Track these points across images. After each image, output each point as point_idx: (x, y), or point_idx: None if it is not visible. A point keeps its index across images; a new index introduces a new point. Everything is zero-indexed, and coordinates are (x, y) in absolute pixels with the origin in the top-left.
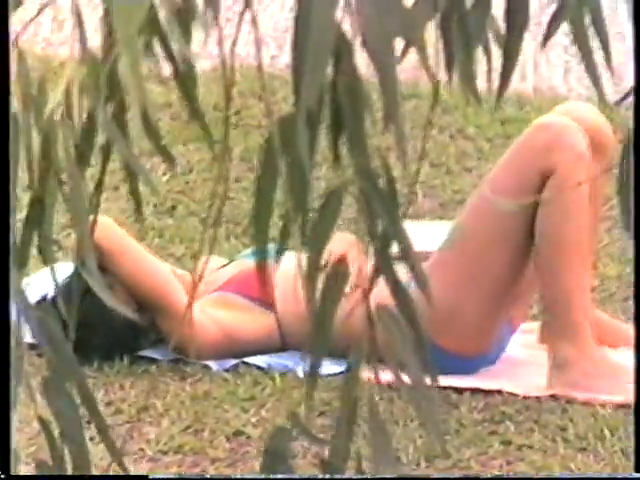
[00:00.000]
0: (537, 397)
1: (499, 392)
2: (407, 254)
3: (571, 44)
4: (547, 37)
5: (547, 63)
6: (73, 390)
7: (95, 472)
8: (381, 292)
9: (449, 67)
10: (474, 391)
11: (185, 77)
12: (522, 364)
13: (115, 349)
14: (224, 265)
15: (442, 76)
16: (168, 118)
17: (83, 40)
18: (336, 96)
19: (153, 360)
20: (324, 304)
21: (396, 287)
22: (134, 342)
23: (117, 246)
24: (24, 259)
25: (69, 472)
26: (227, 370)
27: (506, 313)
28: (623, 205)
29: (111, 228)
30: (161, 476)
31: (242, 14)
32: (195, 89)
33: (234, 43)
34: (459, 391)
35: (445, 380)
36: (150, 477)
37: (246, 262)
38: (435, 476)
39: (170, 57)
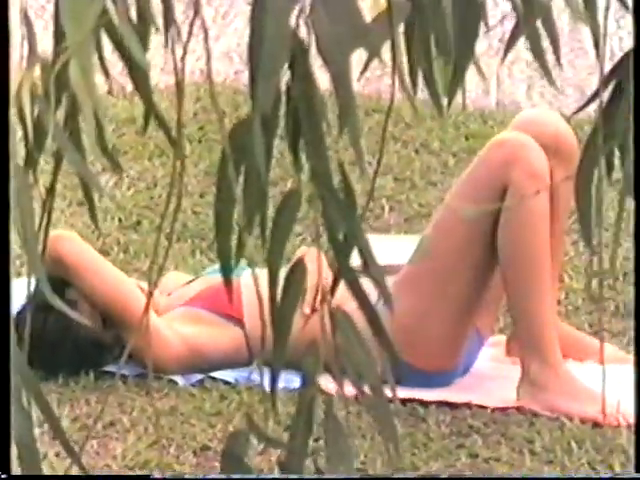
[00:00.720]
0: (504, 410)
1: (467, 405)
2: (367, 258)
3: (533, 60)
4: (506, 51)
5: (510, 78)
6: (29, 401)
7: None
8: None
9: (413, 78)
10: (441, 404)
11: (145, 89)
12: (490, 377)
13: (80, 364)
14: (190, 280)
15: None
16: (133, 133)
17: (33, 44)
18: (292, 101)
19: (120, 375)
20: (282, 309)
21: (357, 291)
22: (99, 357)
23: (81, 260)
24: None
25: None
26: (193, 385)
27: (473, 325)
28: (582, 216)
29: (75, 242)
30: (162, 476)
31: (191, 25)
32: (151, 100)
33: (182, 58)
34: (426, 404)
35: (412, 393)
36: (151, 477)
37: (212, 277)
38: (437, 475)
39: (129, 69)
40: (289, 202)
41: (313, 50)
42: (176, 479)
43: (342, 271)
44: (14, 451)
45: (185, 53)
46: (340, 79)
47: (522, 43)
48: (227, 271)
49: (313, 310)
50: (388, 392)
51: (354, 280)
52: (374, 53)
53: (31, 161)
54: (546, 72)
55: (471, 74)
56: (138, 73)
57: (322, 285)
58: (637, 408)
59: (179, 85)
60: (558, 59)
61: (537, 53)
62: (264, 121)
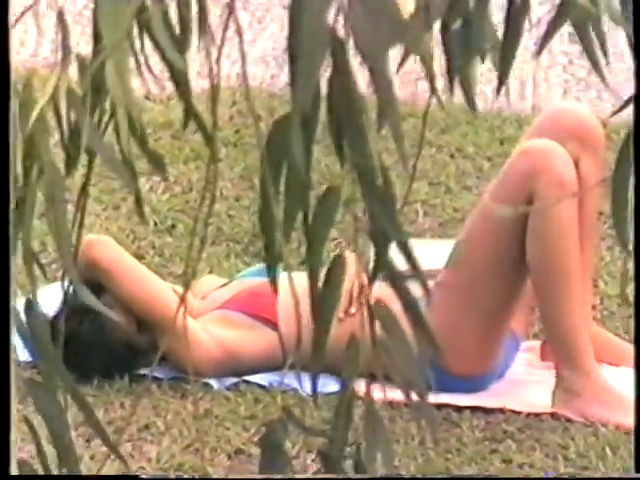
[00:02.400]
0: (538, 415)
1: (501, 410)
2: (407, 253)
3: (569, 64)
4: (543, 45)
5: (546, 82)
6: (63, 399)
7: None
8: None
9: (450, 77)
10: (475, 409)
11: (184, 90)
12: (524, 382)
13: (115, 368)
14: (225, 284)
15: (442, 94)
16: (169, 137)
17: (68, 46)
18: (332, 99)
19: (154, 378)
20: (321, 313)
21: (398, 286)
22: (134, 360)
23: (116, 265)
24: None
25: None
26: (228, 388)
27: (508, 328)
28: (617, 218)
29: (110, 247)
30: (157, 475)
31: (225, 29)
32: (190, 101)
33: (217, 61)
34: (460, 409)
35: (446, 398)
36: (141, 477)
37: (247, 280)
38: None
39: (169, 70)
40: (328, 200)
41: (351, 48)
42: (168, 479)
43: (383, 267)
44: (28, 450)
45: (219, 56)
46: (379, 75)
47: (558, 48)
48: (273, 273)
49: (346, 313)
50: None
51: (395, 275)
52: (413, 49)
53: (68, 163)
54: (599, 73)
55: (508, 78)
56: (177, 74)
57: (364, 285)
58: (637, 408)
59: (213, 88)
60: (606, 56)
61: (590, 54)
62: (304, 120)
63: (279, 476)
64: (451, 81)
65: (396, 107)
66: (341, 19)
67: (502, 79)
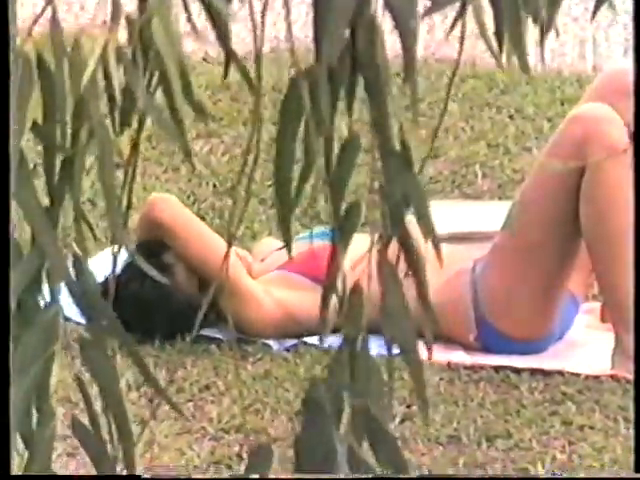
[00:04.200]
0: (598, 377)
1: (560, 372)
2: (424, 220)
3: (632, 21)
4: (596, 9)
5: (607, 41)
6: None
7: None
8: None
9: (499, 38)
10: (534, 371)
11: (223, 34)
12: (583, 344)
13: (176, 328)
14: (284, 246)
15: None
16: (228, 99)
17: (117, 4)
18: (355, 53)
19: (215, 339)
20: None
21: (408, 251)
22: (195, 322)
23: (179, 223)
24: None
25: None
26: (287, 349)
27: (566, 290)
28: None
29: (174, 205)
30: (155, 476)
31: None
32: (229, 44)
33: (262, 20)
34: (518, 371)
35: (504, 360)
36: (142, 477)
37: (305, 243)
38: (436, 475)
39: (221, 36)
40: (349, 148)
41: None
42: (170, 479)
43: (396, 230)
44: (17, 446)
45: (264, 16)
46: (405, 29)
47: (621, 6)
48: (287, 226)
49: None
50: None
51: (407, 239)
52: (441, 6)
53: (120, 123)
54: None
55: (568, 38)
56: (220, 27)
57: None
58: (636, 408)
59: (257, 52)
60: None
61: None
62: (329, 72)
63: (282, 476)
64: (500, 42)
65: (415, 64)
66: None
67: (543, 36)
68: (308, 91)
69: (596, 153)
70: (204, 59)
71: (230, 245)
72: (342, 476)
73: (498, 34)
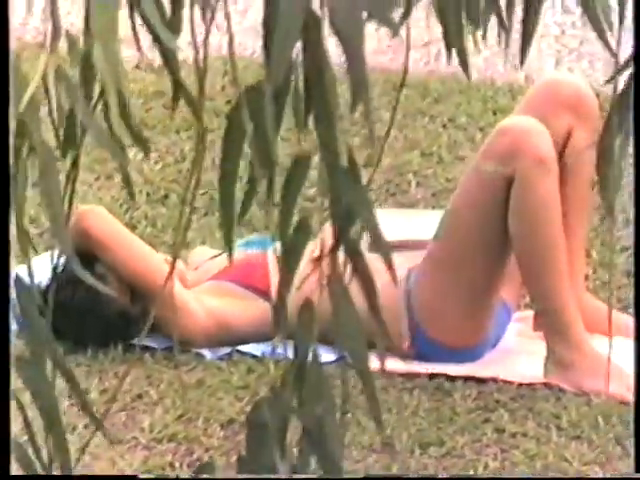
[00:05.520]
0: (531, 385)
1: (493, 380)
2: (373, 233)
3: (562, 35)
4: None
5: (539, 53)
6: (49, 370)
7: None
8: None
9: (447, 46)
10: (467, 379)
11: (172, 65)
12: (517, 352)
13: (109, 337)
14: (218, 254)
15: (432, 63)
16: (161, 107)
17: (57, 24)
18: (304, 72)
19: (147, 348)
20: (284, 273)
21: (357, 263)
22: (127, 330)
23: (109, 235)
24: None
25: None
26: (221, 358)
27: (498, 298)
28: (602, 186)
29: (103, 217)
30: (153, 476)
31: (216, 2)
32: (178, 75)
33: (207, 33)
34: (452, 379)
35: (438, 368)
36: (139, 477)
37: (240, 251)
38: (441, 475)
39: (157, 43)
40: (298, 167)
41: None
42: (164, 479)
43: (343, 243)
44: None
45: (209, 27)
46: (353, 53)
47: (550, 18)
48: (228, 241)
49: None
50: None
51: (355, 252)
52: (389, 27)
53: (59, 138)
54: (605, 42)
55: (501, 48)
56: (166, 49)
57: (323, 253)
58: (636, 408)
59: (198, 61)
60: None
61: (595, 25)
62: (276, 91)
63: (278, 476)
64: (448, 49)
65: (368, 86)
66: None
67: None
68: (255, 107)
69: (523, 166)
70: (137, 66)
71: (175, 259)
72: (340, 476)
73: (446, 43)
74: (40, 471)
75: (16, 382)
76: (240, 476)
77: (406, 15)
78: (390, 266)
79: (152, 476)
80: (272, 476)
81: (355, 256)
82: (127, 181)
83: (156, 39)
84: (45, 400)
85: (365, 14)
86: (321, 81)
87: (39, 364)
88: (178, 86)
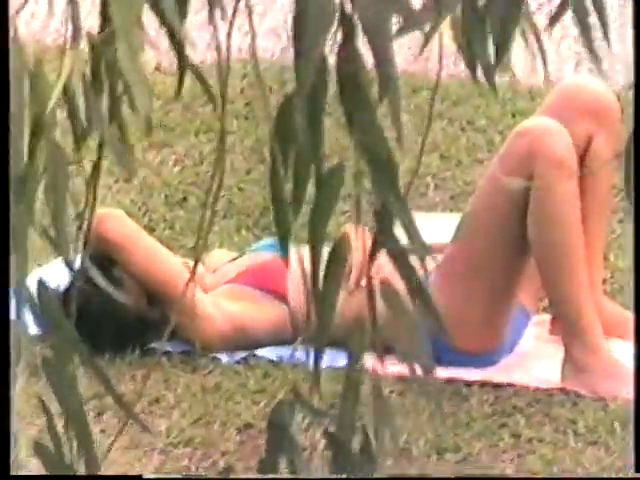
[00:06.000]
0: (548, 390)
1: (510, 385)
2: (411, 233)
3: (581, 37)
4: (551, 25)
5: (558, 55)
6: (76, 372)
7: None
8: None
9: (468, 57)
10: (484, 384)
11: (192, 67)
12: (534, 356)
13: (126, 341)
14: (235, 257)
15: (452, 67)
16: (180, 109)
17: (78, 27)
18: (340, 76)
19: (164, 352)
20: (325, 286)
21: (401, 263)
22: (145, 334)
23: (127, 239)
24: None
25: (68, 450)
26: (238, 362)
27: (516, 303)
28: (628, 191)
29: (121, 220)
30: (155, 475)
31: (237, 2)
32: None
33: (228, 34)
34: (469, 384)
35: (455, 372)
36: (144, 477)
37: (257, 254)
38: (438, 475)
39: (175, 47)
40: (333, 176)
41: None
42: (169, 479)
43: (385, 242)
44: (14, 449)
45: (231, 29)
46: (381, 52)
47: (570, 19)
48: (284, 246)
49: (357, 286)
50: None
51: (397, 251)
52: (415, 28)
53: (78, 140)
54: (591, 50)
55: (519, 52)
56: (180, 48)
57: (366, 260)
58: (636, 407)
59: (221, 62)
60: (606, 35)
61: (584, 31)
62: (310, 97)
63: (280, 476)
64: (472, 58)
65: (397, 84)
66: None
67: (500, 52)
68: (296, 115)
69: (542, 167)
70: (157, 68)
71: (196, 264)
72: (341, 476)
73: (469, 53)
74: (66, 472)
75: (39, 385)
76: (238, 477)
77: (436, 26)
78: (424, 267)
79: (157, 476)
80: (271, 476)
81: (398, 255)
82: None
83: (171, 36)
84: (71, 402)
85: (400, 23)
86: (357, 82)
87: (65, 366)
88: (182, 80)
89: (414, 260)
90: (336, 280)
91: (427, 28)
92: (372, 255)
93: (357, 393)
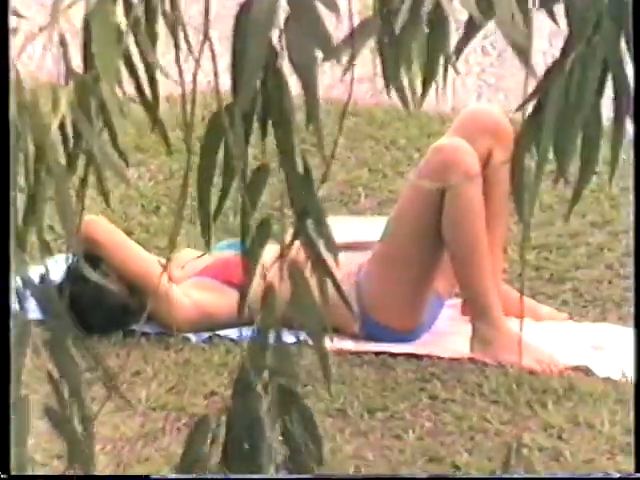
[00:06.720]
0: (459, 360)
1: (428, 356)
2: (320, 222)
3: (482, 72)
4: (457, 54)
5: (464, 88)
6: (73, 350)
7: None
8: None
9: (386, 82)
10: (407, 356)
11: (149, 99)
12: (447, 333)
13: (111, 325)
14: (200, 255)
15: (378, 95)
16: (152, 134)
17: (69, 64)
18: (266, 98)
19: (143, 333)
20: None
21: (310, 249)
22: (126, 319)
23: (110, 240)
24: (23, 248)
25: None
26: (204, 341)
27: (433, 290)
28: (515, 195)
29: (104, 225)
30: (162, 476)
31: (202, 44)
32: (157, 109)
33: (195, 73)
34: (395, 356)
35: (384, 347)
36: (152, 477)
37: (218, 253)
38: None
39: (136, 81)
40: (259, 175)
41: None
42: (176, 479)
43: (302, 239)
44: (13, 451)
45: (197, 68)
46: (306, 81)
47: (473, 59)
48: (207, 238)
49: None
50: (328, 342)
51: (310, 245)
52: (333, 60)
53: (71, 161)
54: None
55: (432, 83)
56: (147, 87)
57: (283, 250)
58: (636, 407)
59: (184, 96)
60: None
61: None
62: (243, 114)
63: (278, 476)
64: (387, 85)
65: (318, 109)
66: (277, 35)
67: (426, 85)
68: (227, 126)
69: (454, 177)
70: (131, 99)
71: (169, 261)
72: (340, 476)
73: (385, 80)
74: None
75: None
76: (237, 476)
77: (352, 58)
78: (336, 259)
79: (162, 475)
80: (269, 476)
81: (311, 248)
82: (104, 192)
83: (134, 76)
84: (70, 374)
85: (319, 52)
86: (281, 103)
87: (63, 346)
88: (156, 119)
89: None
90: (255, 261)
91: (345, 59)
92: (288, 246)
93: (264, 358)
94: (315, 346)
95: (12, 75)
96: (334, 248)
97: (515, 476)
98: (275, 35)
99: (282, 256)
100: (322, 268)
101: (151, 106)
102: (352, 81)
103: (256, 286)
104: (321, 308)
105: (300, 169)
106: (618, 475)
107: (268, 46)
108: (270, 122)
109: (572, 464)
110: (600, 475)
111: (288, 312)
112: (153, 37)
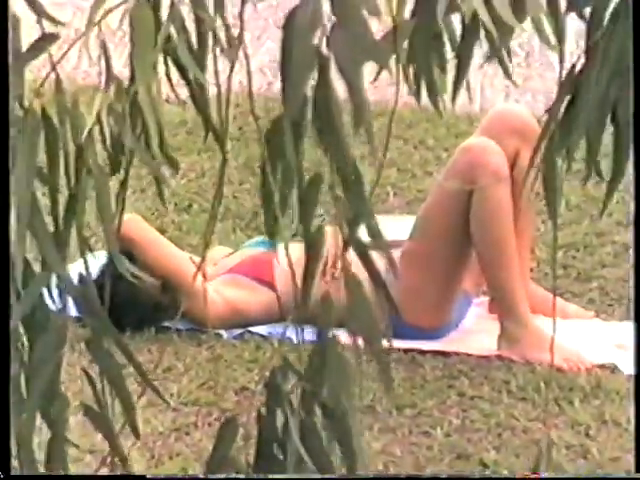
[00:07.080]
0: (486, 357)
1: (456, 353)
2: (374, 234)
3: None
4: (485, 62)
5: (491, 88)
6: (111, 347)
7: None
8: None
9: (417, 84)
10: (435, 353)
11: (199, 99)
12: (475, 331)
13: (144, 321)
14: (232, 252)
15: (406, 96)
16: (184, 133)
17: (109, 68)
18: (317, 105)
19: (175, 330)
20: (305, 277)
21: (364, 259)
22: (159, 315)
23: (144, 238)
24: (64, 246)
25: (113, 409)
26: (235, 337)
27: (461, 289)
28: (547, 195)
29: (140, 223)
30: (160, 475)
31: (238, 47)
32: (207, 109)
33: (229, 74)
34: (423, 353)
35: (412, 344)
36: (148, 477)
37: (250, 250)
38: (444, 476)
39: (187, 83)
40: (314, 183)
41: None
42: (171, 479)
43: (352, 243)
44: (14, 449)
45: (232, 69)
46: (354, 87)
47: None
48: (273, 242)
49: (331, 276)
50: (386, 343)
51: (362, 249)
52: (383, 65)
53: (112, 164)
54: (509, 77)
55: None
56: (196, 89)
57: (338, 254)
58: (636, 407)
59: (219, 96)
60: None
61: (503, 64)
62: (293, 122)
63: (277, 476)
64: (418, 87)
65: (368, 112)
66: (324, 39)
67: (457, 86)
68: (284, 136)
69: (481, 177)
70: (166, 100)
71: (203, 259)
72: (339, 476)
73: (416, 82)
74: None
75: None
76: (242, 476)
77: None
78: (392, 262)
79: (161, 476)
80: (278, 476)
81: (364, 253)
82: (160, 191)
83: (187, 81)
84: (111, 371)
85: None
86: (330, 110)
87: (102, 343)
88: (207, 120)
89: (375, 255)
90: (313, 266)
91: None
92: (343, 253)
93: (324, 359)
94: (373, 351)
95: (11, 76)
96: (387, 253)
97: (516, 476)
98: (322, 42)
99: (335, 262)
100: (375, 274)
101: (202, 109)
102: (398, 83)
103: (289, 286)
104: (377, 313)
105: (352, 175)
106: (618, 475)
107: (316, 53)
108: (320, 129)
109: (599, 461)
110: (600, 475)
111: (345, 317)
112: (202, 41)
